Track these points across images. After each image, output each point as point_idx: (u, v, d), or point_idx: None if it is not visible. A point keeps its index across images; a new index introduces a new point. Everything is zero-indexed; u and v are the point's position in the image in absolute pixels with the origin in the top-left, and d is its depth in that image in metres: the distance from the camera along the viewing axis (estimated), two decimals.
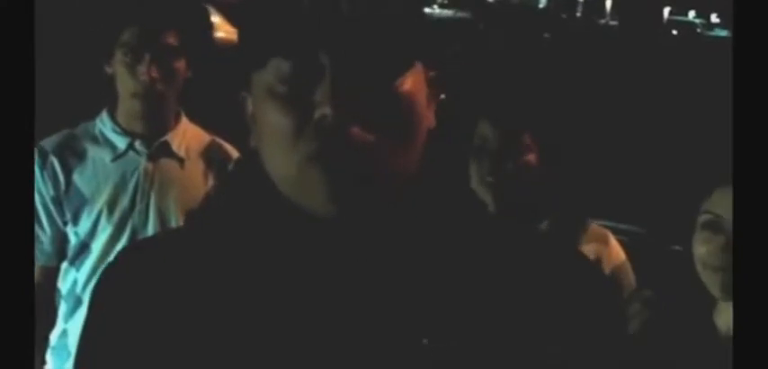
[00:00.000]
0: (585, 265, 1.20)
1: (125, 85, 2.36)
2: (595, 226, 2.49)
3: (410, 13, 1.10)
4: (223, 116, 2.92)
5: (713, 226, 1.90)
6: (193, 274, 1.11)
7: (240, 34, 1.13)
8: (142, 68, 2.32)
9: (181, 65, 2.39)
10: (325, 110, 1.01)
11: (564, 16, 32.15)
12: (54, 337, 2.48)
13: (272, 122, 1.05)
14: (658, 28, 27.47)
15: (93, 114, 2.52)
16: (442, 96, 1.17)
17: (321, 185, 1.04)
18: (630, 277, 2.45)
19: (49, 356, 2.50)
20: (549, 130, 2.44)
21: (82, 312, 2.41)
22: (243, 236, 1.11)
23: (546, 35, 24.94)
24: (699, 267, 1.92)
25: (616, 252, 2.46)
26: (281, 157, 1.06)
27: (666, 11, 31.04)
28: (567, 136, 2.55)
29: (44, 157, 2.41)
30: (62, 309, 2.47)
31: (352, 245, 1.07)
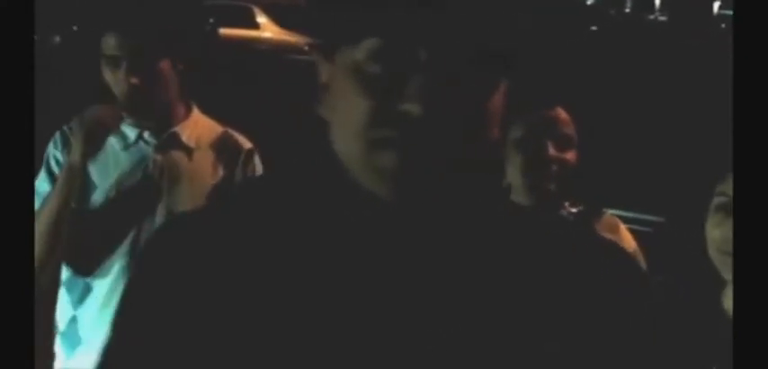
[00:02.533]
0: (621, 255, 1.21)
1: (114, 90, 2.43)
2: (608, 215, 2.48)
3: (511, 28, 1.11)
4: (237, 109, 2.94)
5: (727, 208, 1.88)
6: (230, 255, 1.12)
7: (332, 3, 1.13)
8: (121, 75, 2.38)
9: (164, 63, 2.43)
10: (413, 106, 1.02)
11: (612, 12, 31.87)
12: (63, 323, 2.51)
13: (354, 99, 1.06)
14: (708, 22, 27.14)
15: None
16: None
17: (389, 168, 1.05)
18: (642, 266, 2.43)
19: (58, 344, 2.53)
20: (588, 123, 2.44)
21: (92, 299, 2.45)
22: (279, 220, 1.13)
23: (593, 28, 24.81)
24: (711, 249, 1.91)
25: (627, 241, 2.45)
26: (354, 134, 1.07)
27: (716, 5, 30.65)
28: (601, 128, 2.55)
29: (65, 138, 2.47)
30: (70, 295, 2.50)
31: (404, 231, 1.09)
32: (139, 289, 1.17)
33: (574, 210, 2.43)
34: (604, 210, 2.49)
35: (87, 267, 2.47)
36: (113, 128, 2.45)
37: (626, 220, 2.57)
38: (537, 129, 2.33)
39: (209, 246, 1.13)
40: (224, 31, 17.34)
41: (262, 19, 18.90)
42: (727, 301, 1.91)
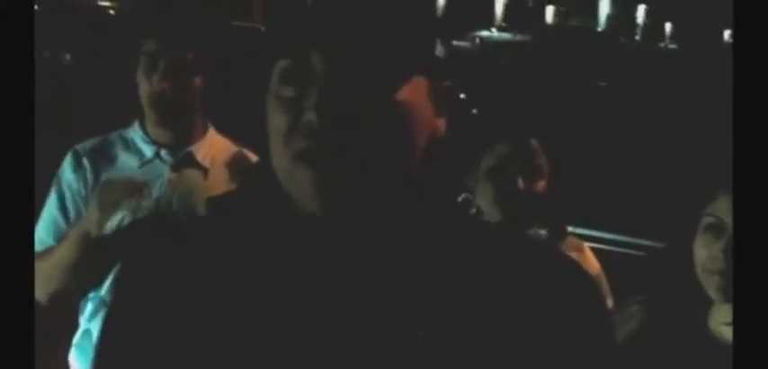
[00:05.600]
0: (574, 270, 1.23)
1: (143, 92, 2.44)
2: (571, 236, 2.51)
3: (413, 25, 1.15)
4: (250, 127, 2.97)
5: (715, 229, 1.91)
6: (196, 264, 1.17)
7: (263, 39, 1.22)
8: (157, 78, 2.40)
9: (197, 78, 2.46)
10: (311, 115, 1.06)
11: (623, 39, 31.84)
12: (77, 336, 2.55)
13: (272, 121, 1.14)
14: (718, 49, 27.09)
15: (126, 122, 2.60)
16: (459, 103, 1.22)
17: (307, 183, 1.09)
18: (604, 287, 2.46)
19: (72, 355, 2.56)
20: (562, 148, 2.46)
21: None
22: (246, 230, 1.17)
23: (602, 55, 24.75)
24: (698, 269, 1.94)
25: (590, 261, 2.48)
26: (277, 154, 1.13)
27: (727, 33, 30.60)
28: (608, 152, 2.58)
29: (78, 159, 2.49)
30: (84, 309, 2.53)
31: (337, 241, 1.12)
32: (123, 304, 1.24)
33: (541, 231, 2.45)
34: (568, 230, 2.52)
35: (99, 281, 2.50)
36: (132, 201, 2.43)
37: (619, 244, 2.60)
38: (508, 159, 2.37)
39: (190, 259, 1.18)
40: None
41: None
42: (713, 320, 1.94)
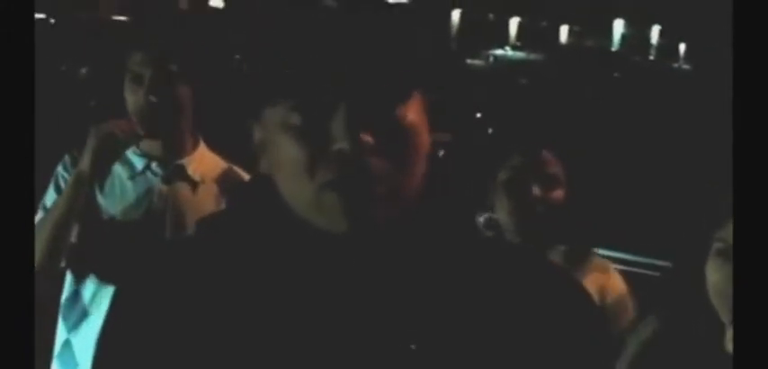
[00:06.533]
0: (577, 291, 1.25)
1: (130, 107, 2.45)
2: (598, 257, 2.51)
3: (406, 41, 1.18)
4: (240, 143, 2.99)
5: (725, 254, 1.93)
6: (203, 281, 1.19)
7: (250, 70, 1.23)
8: (142, 92, 2.41)
9: (185, 91, 2.47)
10: (343, 144, 1.09)
11: (637, 58, 31.86)
12: (57, 347, 2.54)
13: (288, 153, 1.13)
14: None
15: None
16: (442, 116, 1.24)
17: (338, 209, 1.11)
18: (630, 308, 2.46)
19: (54, 366, 2.56)
20: (581, 162, 2.48)
21: (88, 324, 2.47)
22: (252, 247, 1.19)
23: (616, 74, 24.82)
24: (711, 293, 1.95)
25: (617, 283, 2.48)
26: (299, 184, 1.13)
27: None
28: (598, 168, 2.59)
29: (74, 162, 2.50)
30: (66, 320, 2.53)
31: (361, 259, 1.15)
32: (118, 321, 1.24)
33: (562, 250, 2.45)
34: (594, 251, 2.52)
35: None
36: (126, 142, 2.47)
37: (635, 264, 2.60)
38: (521, 171, 2.39)
39: (186, 276, 1.20)
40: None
41: None
42: (728, 344, 1.96)
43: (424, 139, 1.17)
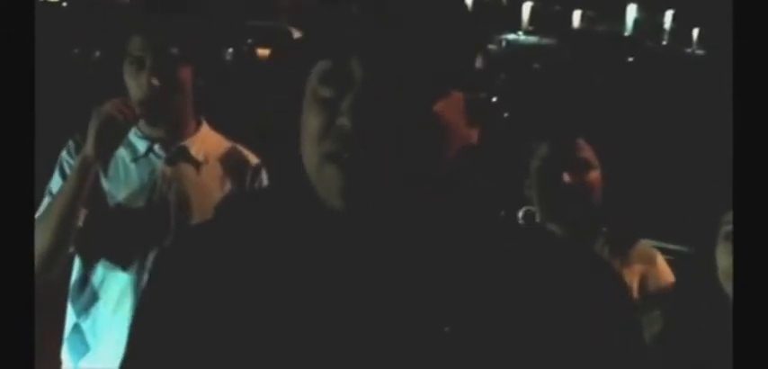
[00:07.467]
0: (600, 270, 1.24)
1: (132, 93, 2.45)
2: (643, 246, 2.46)
3: (453, 39, 1.18)
4: (244, 124, 2.97)
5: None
6: (220, 265, 1.19)
7: (300, 39, 1.24)
8: (144, 76, 2.41)
9: (186, 73, 2.46)
10: (344, 119, 1.10)
11: (650, 43, 31.77)
12: (67, 330, 2.54)
13: (307, 119, 1.15)
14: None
15: None
16: (505, 115, 1.24)
17: (334, 183, 1.12)
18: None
19: (64, 351, 2.56)
20: (613, 148, 2.45)
21: (97, 308, 2.47)
22: (264, 229, 1.20)
23: (629, 59, 24.77)
24: (721, 277, 1.95)
25: (664, 273, 2.44)
26: (308, 151, 1.15)
27: None
28: (630, 154, 2.56)
29: (78, 147, 2.50)
30: (75, 304, 2.53)
31: (359, 239, 1.15)
32: (151, 303, 1.24)
33: (602, 239, 2.43)
34: (638, 239, 2.48)
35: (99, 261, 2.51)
36: (128, 123, 2.43)
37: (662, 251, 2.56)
38: (552, 157, 2.35)
39: (215, 258, 1.21)
40: (261, 51, 17.51)
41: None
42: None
43: (453, 132, 1.16)
